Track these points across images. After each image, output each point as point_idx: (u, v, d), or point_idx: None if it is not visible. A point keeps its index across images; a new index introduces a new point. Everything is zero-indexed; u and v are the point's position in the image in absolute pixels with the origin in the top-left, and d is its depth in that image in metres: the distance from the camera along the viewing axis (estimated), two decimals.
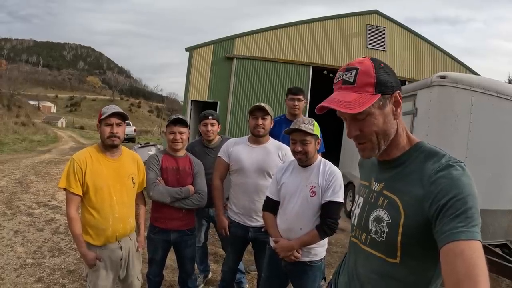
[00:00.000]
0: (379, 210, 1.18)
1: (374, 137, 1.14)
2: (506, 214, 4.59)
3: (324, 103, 1.14)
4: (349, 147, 9.21)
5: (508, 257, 4.49)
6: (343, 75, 1.15)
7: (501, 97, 4.51)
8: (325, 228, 2.27)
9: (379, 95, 1.11)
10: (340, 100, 1.11)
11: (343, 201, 2.36)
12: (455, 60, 15.69)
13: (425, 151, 1.15)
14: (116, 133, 2.41)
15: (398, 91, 1.15)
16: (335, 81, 1.18)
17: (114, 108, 2.46)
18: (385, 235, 1.14)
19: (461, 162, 1.06)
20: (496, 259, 4.13)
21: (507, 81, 27.57)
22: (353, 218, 1.34)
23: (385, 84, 1.12)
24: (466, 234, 0.92)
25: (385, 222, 1.14)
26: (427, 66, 15.04)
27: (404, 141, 1.20)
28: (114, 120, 2.41)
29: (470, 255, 0.89)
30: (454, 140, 4.43)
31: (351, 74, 1.12)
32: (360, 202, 1.32)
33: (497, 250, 4.73)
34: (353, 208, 1.37)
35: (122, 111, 2.46)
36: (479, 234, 0.94)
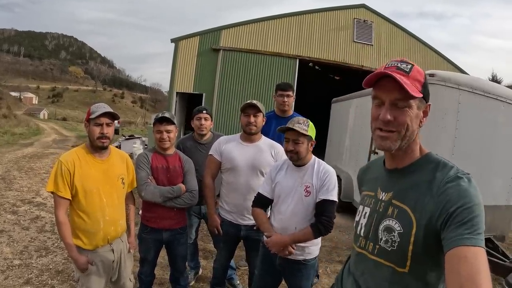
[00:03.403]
0: (389, 219, 1.20)
1: (403, 129, 1.17)
2: (490, 209, 4.70)
3: (386, 71, 1.16)
4: (335, 140, 9.26)
5: (491, 251, 4.61)
6: (397, 63, 1.18)
7: (487, 96, 4.61)
8: (320, 226, 2.27)
9: (422, 95, 1.16)
10: (400, 77, 1.13)
11: (337, 200, 2.36)
12: (441, 56, 15.83)
13: (434, 162, 1.19)
14: (107, 133, 2.33)
15: (430, 104, 1.21)
16: (386, 65, 1.20)
17: (104, 107, 2.36)
18: (396, 244, 1.16)
19: (468, 174, 1.11)
20: None
21: (491, 77, 28.01)
22: (359, 228, 1.35)
23: (427, 89, 1.20)
24: (471, 241, 0.96)
25: (396, 232, 1.17)
26: (413, 62, 15.15)
27: (417, 151, 1.24)
28: (104, 120, 2.32)
29: (473, 261, 0.92)
30: (441, 137, 4.50)
31: (406, 65, 1.17)
32: (366, 212, 1.34)
33: None
34: (357, 219, 1.38)
35: (112, 110, 2.38)
36: (483, 242, 0.98)
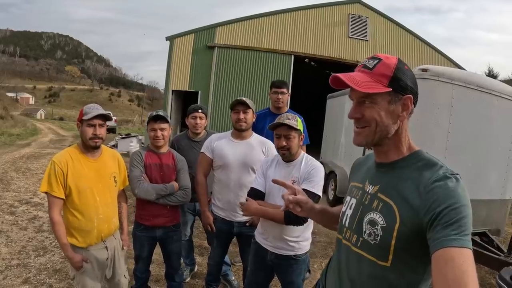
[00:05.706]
0: (373, 213, 1.20)
1: (373, 125, 1.18)
2: (484, 204, 4.73)
3: (338, 74, 1.19)
4: (330, 136, 9.28)
5: (486, 245, 4.65)
6: (366, 61, 1.22)
7: (481, 91, 4.59)
8: (292, 214, 2.04)
9: (391, 89, 1.16)
10: (353, 77, 1.17)
11: (319, 195, 2.33)
12: (436, 50, 15.83)
13: (423, 160, 1.18)
14: (99, 134, 2.37)
15: (411, 97, 1.19)
16: (358, 64, 1.25)
17: (97, 108, 2.39)
18: (379, 238, 1.16)
19: (457, 174, 1.10)
20: (475, 248, 4.28)
21: (487, 71, 27.93)
22: (344, 219, 1.35)
23: (399, 82, 1.17)
24: (458, 242, 0.95)
25: (379, 225, 1.17)
26: (409, 57, 15.09)
27: (405, 147, 1.23)
28: (97, 121, 2.35)
29: (460, 262, 0.92)
30: (435, 132, 4.49)
31: (373, 61, 1.20)
32: (352, 204, 1.34)
33: (476, 238, 4.88)
34: (343, 209, 1.38)
35: (105, 112, 2.41)
36: (471, 243, 0.98)
